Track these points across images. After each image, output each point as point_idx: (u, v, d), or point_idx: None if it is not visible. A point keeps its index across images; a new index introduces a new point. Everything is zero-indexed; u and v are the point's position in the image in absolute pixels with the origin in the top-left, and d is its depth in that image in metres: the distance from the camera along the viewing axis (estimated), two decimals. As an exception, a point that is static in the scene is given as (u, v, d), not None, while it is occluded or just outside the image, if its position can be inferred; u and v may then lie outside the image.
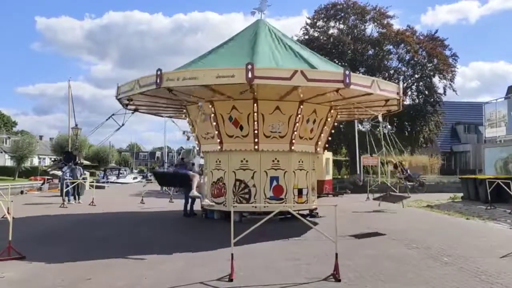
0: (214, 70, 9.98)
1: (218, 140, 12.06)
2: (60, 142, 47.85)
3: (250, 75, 9.34)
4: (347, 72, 9.79)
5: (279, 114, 11.73)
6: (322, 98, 11.57)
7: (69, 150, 19.80)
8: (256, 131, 11.67)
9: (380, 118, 12.96)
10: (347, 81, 9.64)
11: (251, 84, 9.53)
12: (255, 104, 11.45)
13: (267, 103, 11.59)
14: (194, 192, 10.48)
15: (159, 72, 9.91)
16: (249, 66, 9.36)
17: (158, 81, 9.90)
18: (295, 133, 11.93)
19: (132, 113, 13.33)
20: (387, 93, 11.12)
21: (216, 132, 11.99)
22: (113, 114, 12.64)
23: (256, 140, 11.73)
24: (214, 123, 11.87)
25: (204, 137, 12.85)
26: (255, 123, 11.58)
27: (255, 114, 11.53)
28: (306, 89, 10.27)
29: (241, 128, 11.80)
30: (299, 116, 11.83)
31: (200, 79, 9.87)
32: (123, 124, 12.77)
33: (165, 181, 13.14)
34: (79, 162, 17.56)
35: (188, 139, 12.95)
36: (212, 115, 11.78)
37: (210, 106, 11.71)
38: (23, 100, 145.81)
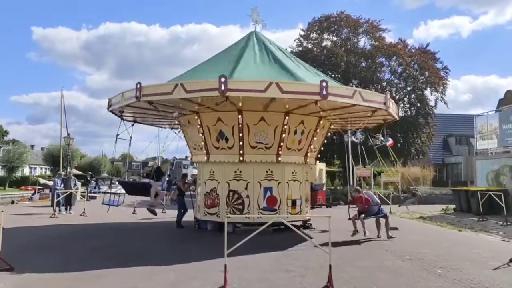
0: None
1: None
2: (51, 151, 47.54)
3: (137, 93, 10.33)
4: (222, 80, 9.38)
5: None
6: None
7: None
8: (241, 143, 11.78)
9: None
10: (222, 88, 9.37)
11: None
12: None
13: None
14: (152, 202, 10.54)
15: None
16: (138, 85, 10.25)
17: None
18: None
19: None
20: (294, 95, 9.82)
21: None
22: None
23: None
24: (241, 134, 11.72)
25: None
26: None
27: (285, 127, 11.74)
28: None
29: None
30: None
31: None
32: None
33: (131, 190, 13.47)
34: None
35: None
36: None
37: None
38: (17, 109, 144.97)
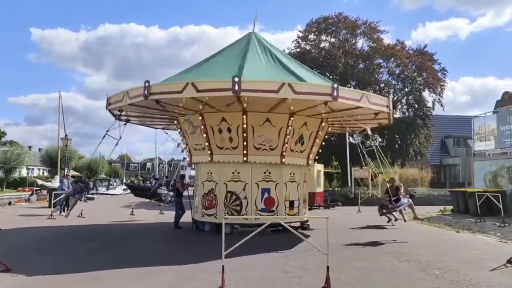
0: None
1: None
2: (49, 152, 47.46)
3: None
4: (146, 85, 9.88)
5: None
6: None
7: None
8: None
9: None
10: (145, 93, 9.84)
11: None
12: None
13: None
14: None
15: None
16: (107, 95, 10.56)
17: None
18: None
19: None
20: (208, 93, 9.95)
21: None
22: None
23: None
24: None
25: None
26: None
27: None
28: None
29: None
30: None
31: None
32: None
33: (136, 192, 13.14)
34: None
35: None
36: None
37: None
38: (15, 110, 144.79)
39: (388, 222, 14.13)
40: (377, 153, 12.41)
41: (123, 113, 12.30)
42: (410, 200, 13.13)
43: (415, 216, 13.69)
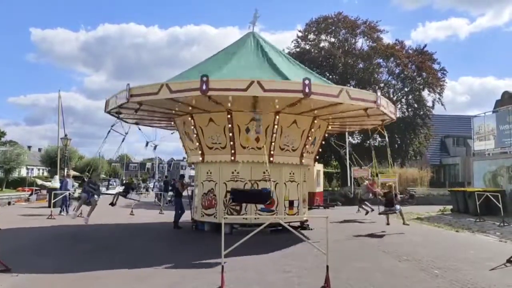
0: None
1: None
2: (49, 152, 47.45)
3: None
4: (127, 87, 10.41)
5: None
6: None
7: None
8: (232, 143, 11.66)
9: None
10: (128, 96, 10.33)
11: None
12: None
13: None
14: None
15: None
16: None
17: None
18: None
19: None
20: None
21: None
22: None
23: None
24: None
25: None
26: None
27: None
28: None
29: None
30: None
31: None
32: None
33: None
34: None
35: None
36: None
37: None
38: (15, 110, 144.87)
39: (366, 214, 15.97)
40: (389, 154, 12.98)
41: (142, 107, 11.67)
42: (401, 207, 13.59)
43: (404, 222, 13.64)
